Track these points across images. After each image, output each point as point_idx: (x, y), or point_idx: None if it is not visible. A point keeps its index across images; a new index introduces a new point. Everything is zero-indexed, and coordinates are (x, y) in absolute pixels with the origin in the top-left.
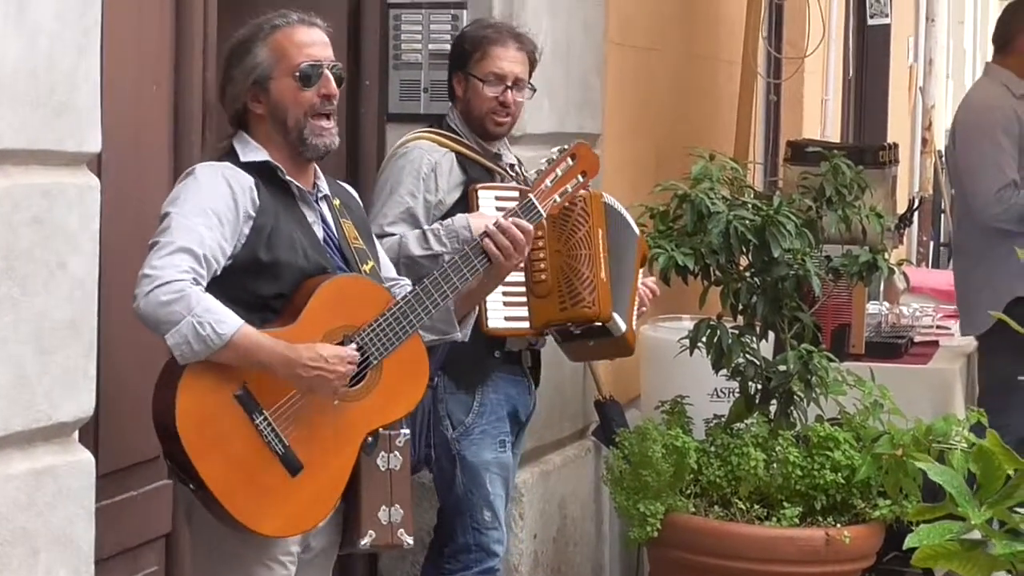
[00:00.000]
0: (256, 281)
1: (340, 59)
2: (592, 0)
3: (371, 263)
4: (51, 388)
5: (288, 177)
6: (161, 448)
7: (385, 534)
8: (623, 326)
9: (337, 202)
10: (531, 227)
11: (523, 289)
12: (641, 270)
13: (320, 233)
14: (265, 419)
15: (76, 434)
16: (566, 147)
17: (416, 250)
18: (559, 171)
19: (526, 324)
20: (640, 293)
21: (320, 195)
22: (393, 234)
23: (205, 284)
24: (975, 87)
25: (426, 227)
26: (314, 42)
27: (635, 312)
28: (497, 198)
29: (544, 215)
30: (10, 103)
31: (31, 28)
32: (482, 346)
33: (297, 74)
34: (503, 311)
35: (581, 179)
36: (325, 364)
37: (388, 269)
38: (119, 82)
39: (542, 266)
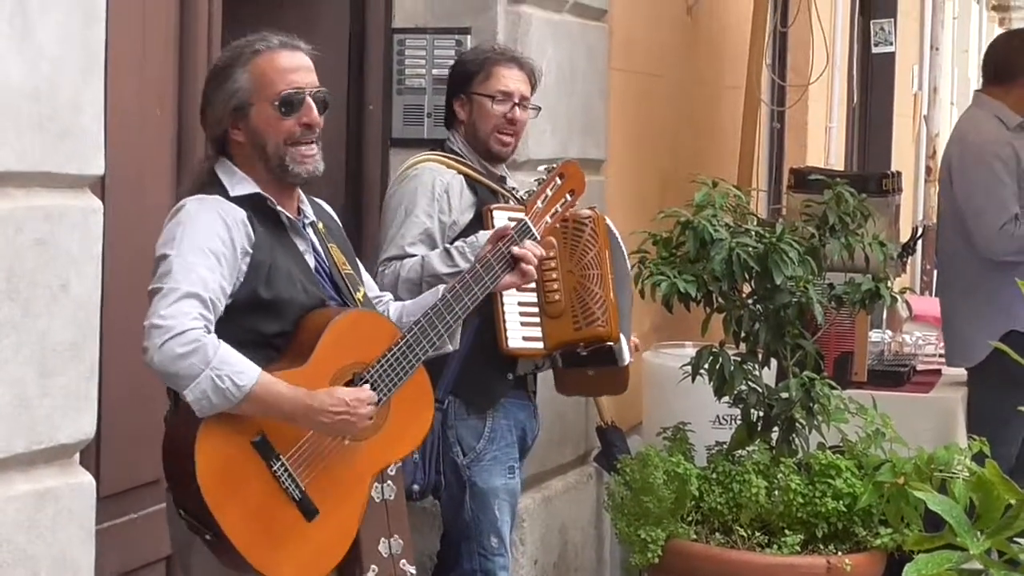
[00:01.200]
0: (257, 319)
1: (343, 84)
2: (595, 26)
3: (362, 290)
4: (52, 410)
5: (279, 208)
6: (173, 495)
7: (388, 567)
8: (627, 354)
9: (321, 226)
10: (540, 251)
11: (537, 310)
12: None
13: (312, 262)
14: (282, 465)
15: (77, 456)
16: (554, 166)
17: (442, 268)
18: (549, 191)
19: (540, 345)
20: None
21: (307, 222)
22: (413, 254)
23: (213, 329)
24: (967, 120)
25: (448, 245)
26: (297, 67)
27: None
28: (510, 219)
29: (539, 237)
30: (14, 126)
31: (35, 51)
32: (495, 369)
33: (277, 102)
34: (521, 331)
35: (569, 198)
36: (348, 408)
37: (371, 288)
38: (123, 105)
39: (555, 286)
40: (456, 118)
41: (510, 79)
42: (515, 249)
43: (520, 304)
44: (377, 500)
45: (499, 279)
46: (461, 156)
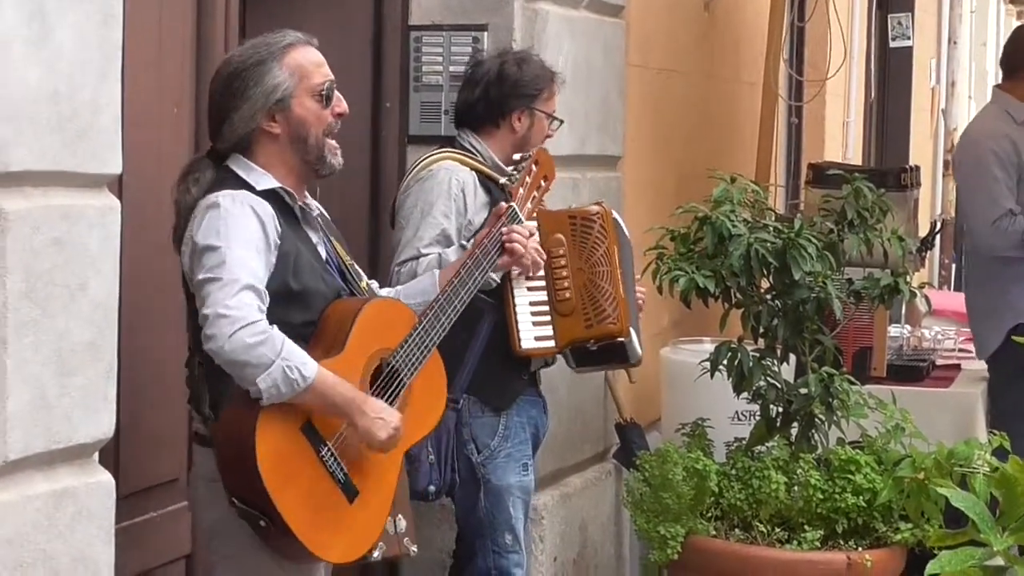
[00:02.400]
0: (287, 310)
1: (364, 81)
2: (612, 22)
3: (364, 279)
4: (71, 410)
5: (301, 203)
6: (227, 484)
7: (393, 544)
8: (638, 346)
9: (321, 220)
10: (529, 228)
11: (548, 308)
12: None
13: (323, 253)
14: (329, 450)
15: (96, 455)
16: (529, 154)
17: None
18: (528, 179)
19: (552, 343)
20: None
21: (315, 214)
22: (427, 254)
23: None
24: (978, 115)
25: (463, 242)
26: (323, 61)
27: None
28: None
29: (524, 220)
30: (32, 126)
31: (53, 52)
32: (509, 369)
33: (321, 92)
34: (533, 331)
35: (544, 184)
36: (385, 416)
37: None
38: (140, 104)
39: (565, 284)
40: (506, 124)
41: (555, 101)
42: (504, 231)
43: (531, 304)
44: None
45: (495, 262)
46: (475, 154)
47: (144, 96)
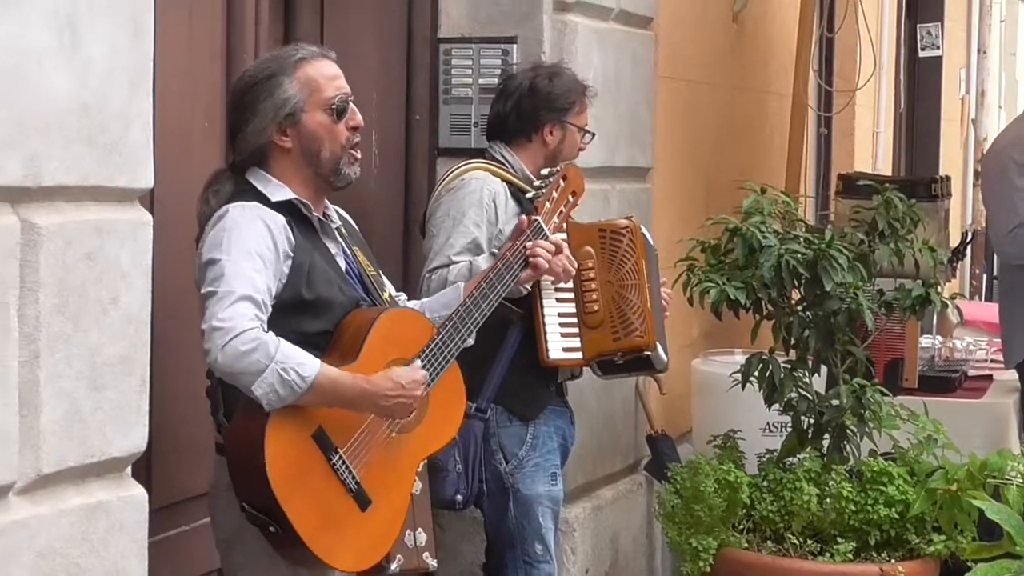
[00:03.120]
0: (300, 319)
1: (396, 94)
2: (642, 34)
3: (387, 290)
4: (104, 424)
5: (315, 213)
6: (237, 491)
7: (412, 558)
8: (664, 357)
9: (343, 230)
10: (555, 241)
11: (576, 320)
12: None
13: (343, 264)
14: (340, 457)
15: (129, 469)
16: (557, 169)
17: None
18: (555, 193)
19: (580, 355)
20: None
21: (335, 225)
22: (458, 262)
23: (266, 328)
24: (1009, 124)
25: (495, 251)
26: (337, 74)
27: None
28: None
29: (549, 235)
30: (63, 140)
31: (83, 64)
32: (537, 379)
33: (333, 107)
34: (561, 342)
35: (572, 199)
36: (403, 390)
37: (391, 288)
38: (170, 118)
39: (594, 296)
40: (538, 137)
41: (587, 115)
42: (528, 245)
43: (560, 315)
44: None
45: (518, 275)
46: (506, 166)
47: (175, 109)
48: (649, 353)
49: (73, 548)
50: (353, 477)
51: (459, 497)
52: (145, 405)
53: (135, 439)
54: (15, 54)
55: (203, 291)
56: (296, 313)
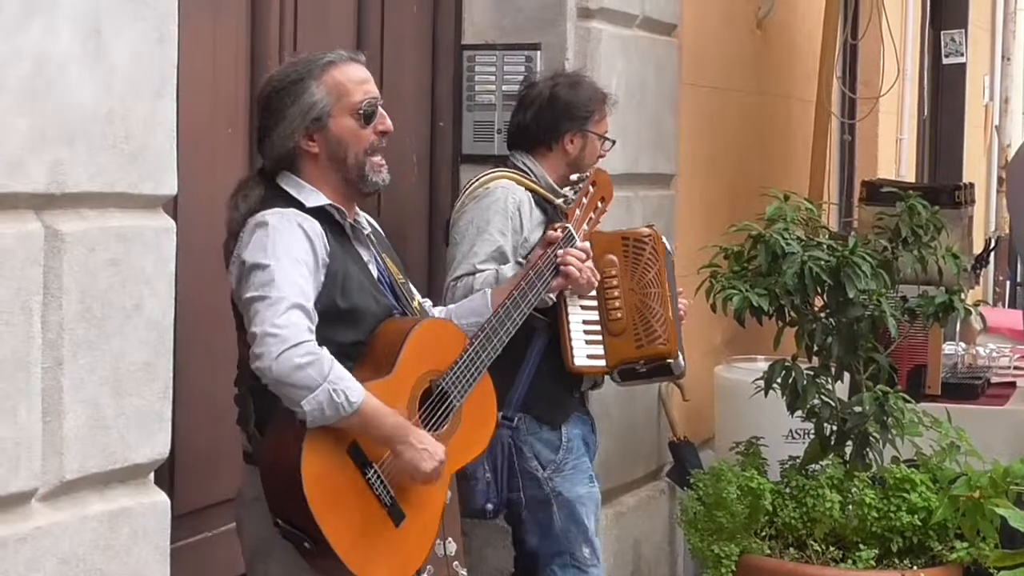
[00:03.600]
0: (335, 329)
1: (421, 100)
2: (665, 41)
3: (417, 298)
4: (127, 430)
5: (351, 220)
6: (272, 506)
7: (442, 568)
8: (683, 364)
9: (373, 237)
10: (585, 249)
11: (599, 328)
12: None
13: (375, 272)
14: (375, 472)
15: (152, 476)
16: (587, 175)
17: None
18: (585, 200)
19: (603, 363)
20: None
21: (366, 232)
22: (483, 270)
23: None
24: None
25: (520, 260)
26: (366, 78)
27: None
28: (555, 226)
29: (579, 242)
30: (87, 146)
31: (107, 71)
32: (563, 387)
33: (360, 111)
34: (585, 349)
35: (601, 205)
36: (431, 447)
37: (418, 295)
38: (194, 125)
39: (617, 304)
40: (559, 147)
41: (607, 122)
42: (559, 253)
43: (584, 323)
44: None
45: (549, 284)
46: (529, 174)
47: (198, 116)
48: (670, 360)
49: (96, 555)
50: (388, 492)
51: (490, 506)
52: (168, 412)
53: (158, 446)
54: (40, 61)
55: (249, 295)
56: (331, 322)
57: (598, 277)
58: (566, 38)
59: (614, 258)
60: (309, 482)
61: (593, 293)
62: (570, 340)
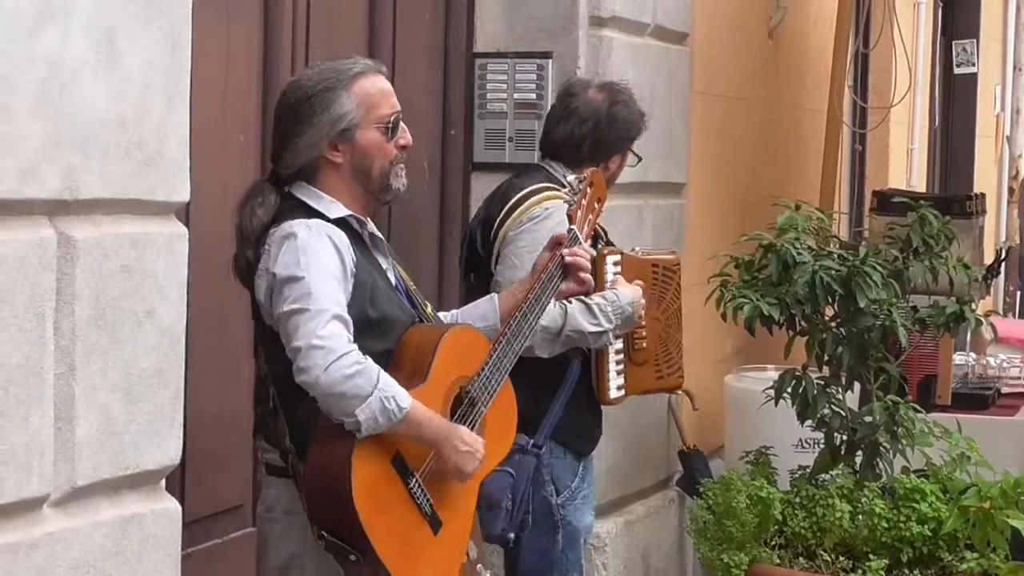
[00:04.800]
0: (365, 338)
1: (432, 108)
2: (677, 50)
3: (429, 304)
4: (138, 436)
5: (369, 229)
6: (317, 519)
7: (468, 571)
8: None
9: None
10: (588, 251)
11: (623, 356)
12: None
13: (393, 279)
14: (417, 482)
15: (163, 482)
16: (584, 176)
17: (587, 326)
18: (584, 201)
19: (624, 393)
20: None
21: (380, 240)
22: None
23: None
24: None
25: (591, 301)
26: (392, 91)
27: None
28: (614, 263)
29: (583, 242)
30: (100, 153)
31: (121, 78)
32: (592, 417)
33: (388, 124)
34: (616, 380)
35: (597, 206)
36: (474, 446)
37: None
38: (206, 131)
39: (643, 333)
40: (602, 165)
41: None
42: (568, 257)
43: (616, 352)
44: None
45: (559, 287)
46: (562, 186)
47: (211, 123)
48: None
49: (107, 561)
50: (428, 501)
51: (511, 535)
52: (179, 418)
53: (169, 452)
54: (54, 68)
55: (287, 309)
56: (361, 332)
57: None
58: (578, 46)
59: (642, 284)
60: (359, 493)
61: None
62: (608, 373)
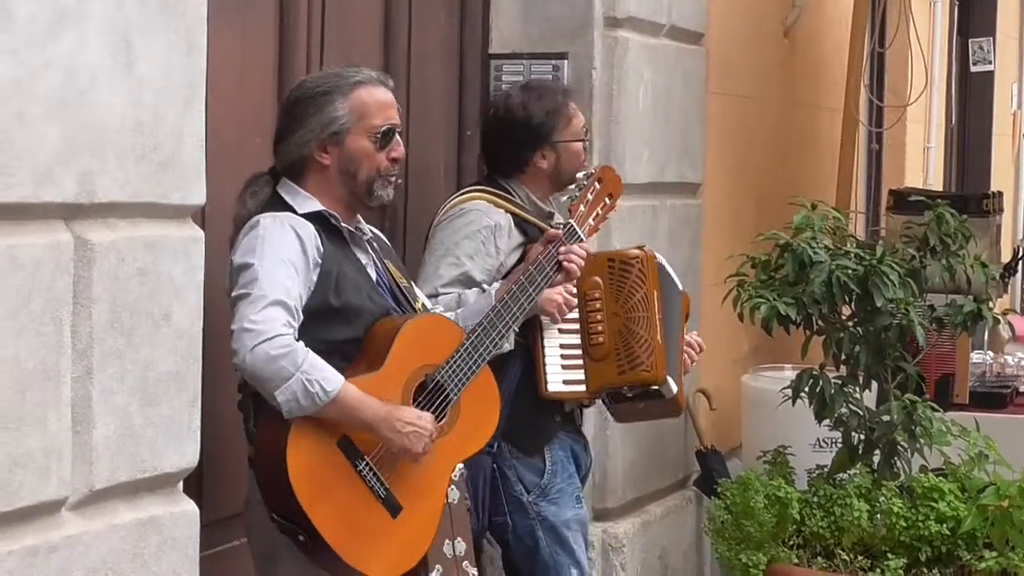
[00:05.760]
0: (328, 327)
1: (448, 109)
2: (692, 50)
3: (420, 301)
4: (156, 439)
5: (343, 224)
6: (265, 500)
7: (451, 568)
8: (674, 388)
9: (376, 245)
10: (584, 252)
11: (580, 352)
12: (686, 326)
13: (373, 275)
14: (367, 464)
15: (180, 485)
16: (592, 171)
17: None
18: (590, 196)
19: (583, 388)
20: (686, 351)
21: (366, 238)
22: (445, 294)
23: (296, 334)
24: None
25: (486, 286)
26: (391, 104)
27: (682, 371)
28: (558, 223)
29: (585, 239)
30: (116, 156)
31: (137, 82)
32: (539, 412)
33: (378, 135)
34: (561, 374)
35: (609, 201)
36: (419, 422)
37: (426, 301)
38: (223, 135)
39: (599, 328)
40: (531, 166)
41: (579, 113)
42: (562, 249)
43: (562, 347)
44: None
45: (550, 279)
46: (513, 195)
47: (227, 127)
48: (658, 387)
49: (125, 563)
50: (381, 484)
51: (482, 539)
52: (197, 421)
53: (187, 455)
54: (70, 72)
55: (234, 294)
56: (324, 321)
57: (573, 302)
58: (593, 47)
59: (599, 280)
60: (295, 473)
61: (575, 315)
62: (545, 366)
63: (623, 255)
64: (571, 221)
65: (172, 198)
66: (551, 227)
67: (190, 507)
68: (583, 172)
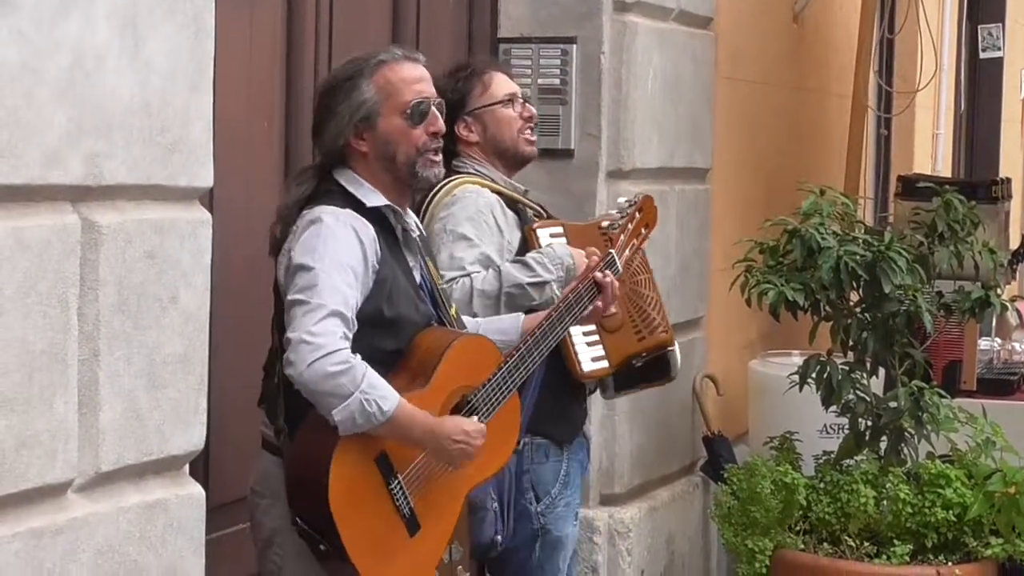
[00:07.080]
0: (377, 336)
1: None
2: (702, 34)
3: (454, 306)
4: (162, 422)
5: (401, 223)
6: (293, 505)
7: (447, 573)
8: (679, 356)
9: (420, 243)
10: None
11: (594, 327)
12: None
13: (418, 278)
14: (399, 483)
15: (187, 467)
16: (635, 200)
17: (523, 278)
18: (630, 226)
19: (606, 363)
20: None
21: (415, 235)
22: (474, 272)
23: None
24: None
25: (526, 257)
26: (420, 78)
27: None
28: (551, 235)
29: (620, 270)
30: (124, 139)
31: (145, 65)
32: (571, 398)
33: (408, 111)
34: (589, 352)
35: (644, 232)
36: (468, 438)
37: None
38: (230, 118)
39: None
40: (464, 142)
41: (505, 81)
42: (598, 275)
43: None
44: None
45: (587, 308)
46: (488, 177)
47: (235, 110)
48: (671, 349)
49: (131, 546)
50: (408, 503)
51: (499, 537)
52: (203, 404)
53: (193, 438)
54: (78, 54)
55: (291, 297)
56: (373, 330)
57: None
58: (602, 31)
59: (596, 251)
60: (335, 489)
61: None
62: (573, 347)
63: (612, 220)
64: (611, 251)
65: (180, 180)
66: (532, 204)
67: (196, 490)
68: (624, 199)
